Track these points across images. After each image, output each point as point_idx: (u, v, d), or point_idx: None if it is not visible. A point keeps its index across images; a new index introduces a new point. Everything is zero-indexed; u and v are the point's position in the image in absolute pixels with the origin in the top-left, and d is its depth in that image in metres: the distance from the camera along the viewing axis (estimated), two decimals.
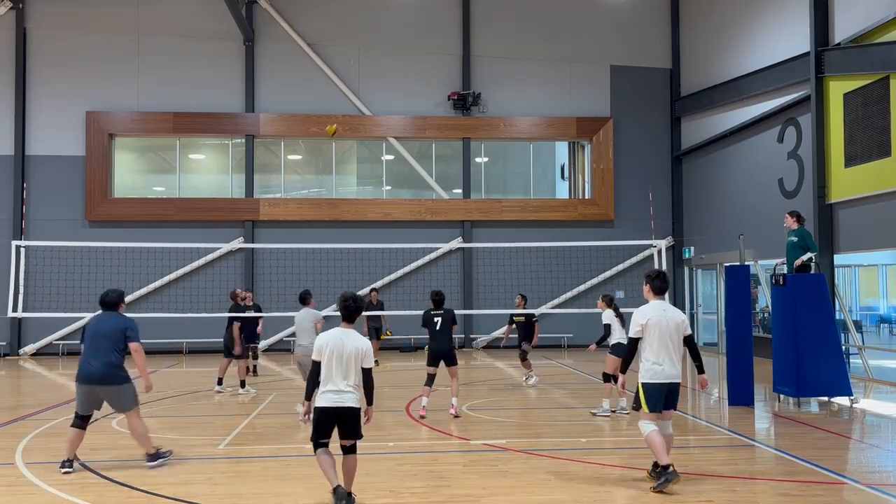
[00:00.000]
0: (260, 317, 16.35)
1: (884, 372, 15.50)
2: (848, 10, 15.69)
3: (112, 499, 6.75)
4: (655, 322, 6.89)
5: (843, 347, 13.70)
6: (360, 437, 6.29)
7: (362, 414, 6.31)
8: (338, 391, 6.09)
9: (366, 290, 20.15)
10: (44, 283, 18.81)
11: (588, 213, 23.22)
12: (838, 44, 15.85)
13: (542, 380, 15.77)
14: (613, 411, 10.72)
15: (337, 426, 6.21)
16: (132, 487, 7.01)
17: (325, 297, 17.77)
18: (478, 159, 23.76)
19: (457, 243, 22.07)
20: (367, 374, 6.21)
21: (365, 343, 6.24)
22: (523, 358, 14.60)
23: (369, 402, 6.39)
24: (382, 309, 18.59)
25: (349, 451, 6.29)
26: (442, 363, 10.85)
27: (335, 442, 6.29)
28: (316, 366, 6.16)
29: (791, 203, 16.91)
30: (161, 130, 22.47)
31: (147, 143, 23.39)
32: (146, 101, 22.37)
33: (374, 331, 18.44)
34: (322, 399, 6.14)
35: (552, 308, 22.15)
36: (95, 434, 9.70)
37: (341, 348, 6.12)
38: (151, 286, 21.60)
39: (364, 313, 17.59)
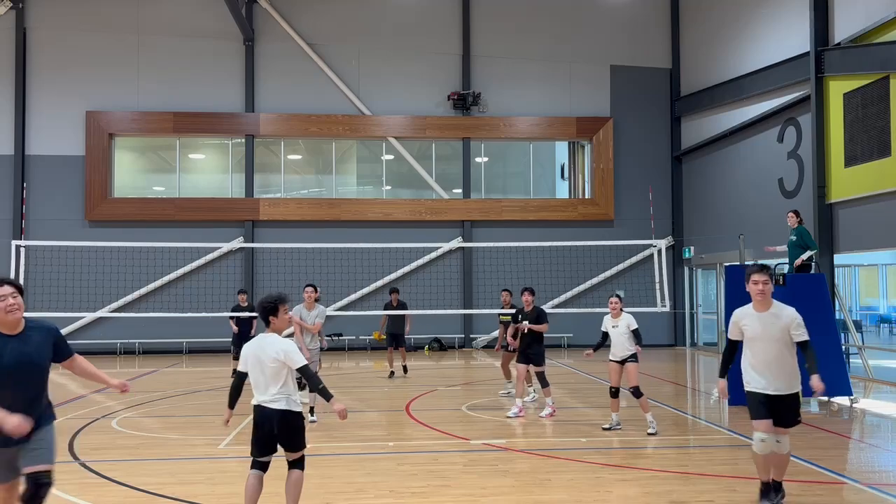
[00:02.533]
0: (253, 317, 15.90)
1: (884, 372, 15.51)
2: (848, 10, 15.69)
3: (112, 499, 6.75)
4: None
5: (843, 347, 13.70)
6: (301, 447, 5.71)
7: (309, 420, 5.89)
8: (266, 400, 5.62)
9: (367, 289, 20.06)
10: (44, 283, 18.78)
11: (588, 213, 23.22)
12: (838, 44, 15.85)
13: None
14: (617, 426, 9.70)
15: (279, 438, 5.66)
16: (132, 487, 7.01)
17: (325, 297, 17.74)
18: (478, 159, 23.76)
19: (457, 243, 22.07)
20: (302, 372, 5.63)
21: (283, 345, 5.65)
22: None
23: (326, 397, 5.71)
24: (405, 310, 16.04)
25: (292, 465, 5.72)
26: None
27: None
28: (241, 376, 5.75)
29: (791, 203, 16.92)
30: (161, 130, 22.47)
31: (147, 143, 23.38)
32: (146, 101, 22.37)
33: (393, 338, 15.72)
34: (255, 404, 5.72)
35: (552, 308, 22.11)
36: (95, 434, 9.71)
37: (261, 356, 5.65)
38: (151, 286, 21.60)
39: (385, 312, 15.80)
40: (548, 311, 21.99)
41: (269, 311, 5.80)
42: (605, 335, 9.89)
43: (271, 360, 5.62)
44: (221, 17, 21.80)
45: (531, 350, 10.87)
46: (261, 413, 5.64)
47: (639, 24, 23.75)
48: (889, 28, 14.50)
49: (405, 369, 15.97)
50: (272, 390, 5.61)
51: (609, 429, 9.70)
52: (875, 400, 12.71)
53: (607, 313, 9.97)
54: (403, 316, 15.82)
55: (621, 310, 9.81)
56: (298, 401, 5.73)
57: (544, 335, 11.13)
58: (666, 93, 23.78)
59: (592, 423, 10.68)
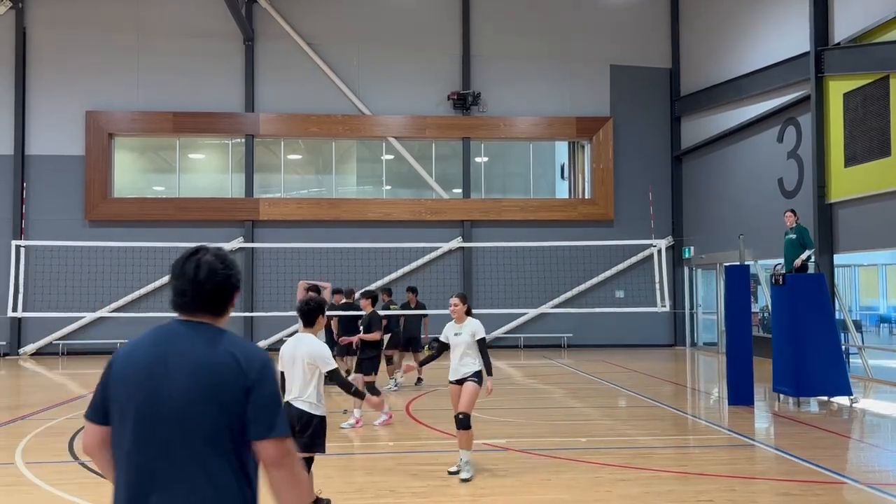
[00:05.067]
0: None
1: (883, 372, 15.51)
2: (848, 9, 15.69)
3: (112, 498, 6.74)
4: None
5: (843, 347, 13.71)
6: (311, 448, 5.78)
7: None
8: (294, 398, 5.78)
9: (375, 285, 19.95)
10: (44, 283, 18.78)
11: (588, 212, 23.21)
12: (838, 43, 15.85)
13: (543, 380, 15.77)
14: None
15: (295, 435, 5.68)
16: None
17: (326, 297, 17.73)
18: (478, 159, 23.75)
19: (457, 243, 22.06)
20: (333, 376, 5.82)
21: (318, 348, 5.85)
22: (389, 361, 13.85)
23: (360, 397, 6.44)
24: (425, 310, 14.98)
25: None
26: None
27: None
28: (280, 375, 5.78)
29: (791, 203, 16.91)
30: (161, 130, 22.46)
31: (147, 143, 23.37)
32: (146, 100, 22.36)
33: (408, 342, 14.44)
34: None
35: (552, 308, 22.13)
36: None
37: (297, 354, 5.82)
38: (151, 286, 21.56)
39: (403, 312, 14.67)
40: (548, 311, 22.11)
41: (320, 310, 6.01)
42: (443, 346, 7.64)
43: (306, 361, 5.77)
44: (221, 17, 21.79)
45: (363, 357, 10.62)
46: (287, 408, 5.76)
47: (639, 24, 23.74)
48: (889, 28, 14.50)
49: (419, 380, 14.28)
50: (296, 392, 5.78)
51: (456, 472, 7.30)
52: (875, 400, 12.71)
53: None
54: (421, 317, 14.62)
55: (467, 312, 7.59)
56: (322, 408, 5.87)
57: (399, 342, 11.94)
58: (666, 93, 23.77)
59: (592, 422, 10.69)
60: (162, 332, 2.50)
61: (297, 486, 2.41)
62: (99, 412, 2.50)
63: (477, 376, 7.36)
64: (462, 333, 7.42)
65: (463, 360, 7.40)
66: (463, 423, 7.24)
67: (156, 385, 2.38)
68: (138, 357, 2.46)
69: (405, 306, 14.86)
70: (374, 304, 10.89)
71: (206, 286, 2.49)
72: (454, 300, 7.56)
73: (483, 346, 7.43)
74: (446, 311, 7.68)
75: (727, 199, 20.67)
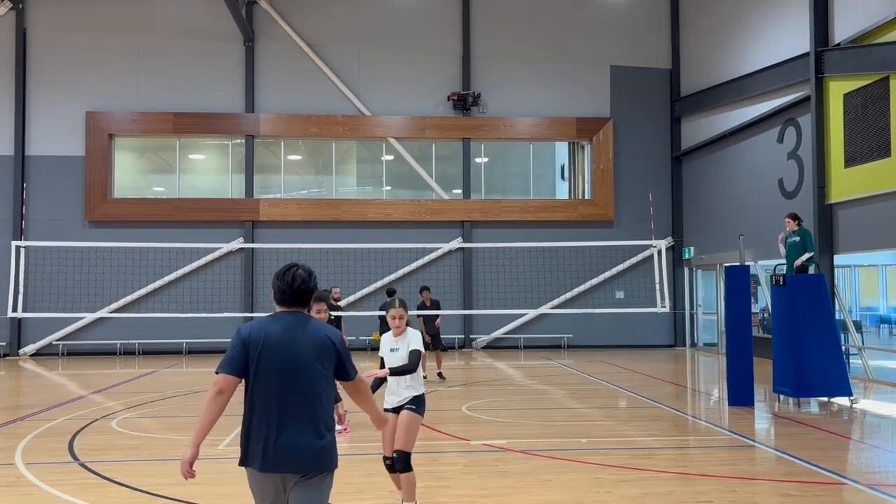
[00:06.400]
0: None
1: (884, 372, 15.51)
2: (848, 10, 15.69)
3: (112, 499, 6.75)
4: None
5: (843, 348, 13.71)
6: None
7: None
8: None
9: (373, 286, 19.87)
10: (44, 283, 18.79)
11: (588, 213, 23.21)
12: (838, 44, 15.85)
13: (543, 380, 15.76)
14: None
15: None
16: (132, 488, 7.01)
17: None
18: (478, 159, 23.75)
19: (457, 243, 22.05)
20: None
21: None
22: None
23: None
24: (439, 309, 15.50)
25: None
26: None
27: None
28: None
29: (791, 203, 16.92)
30: (161, 130, 22.46)
31: (147, 144, 23.37)
32: (146, 101, 22.36)
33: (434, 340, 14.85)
34: None
35: (552, 308, 22.14)
36: (95, 434, 9.71)
37: None
38: (151, 286, 21.59)
39: (420, 312, 14.91)
40: (548, 311, 22.07)
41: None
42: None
43: None
44: (221, 18, 21.79)
45: None
46: None
47: (639, 25, 23.74)
48: (889, 28, 14.50)
49: (441, 375, 14.96)
50: None
51: None
52: (875, 400, 12.71)
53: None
54: (436, 315, 15.06)
55: (408, 324, 6.26)
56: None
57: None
58: (666, 93, 23.77)
59: (592, 423, 10.69)
60: (279, 317, 3.92)
61: (369, 393, 4.25)
62: (236, 368, 3.83)
63: (416, 402, 6.10)
64: (400, 349, 6.08)
65: (402, 382, 6.13)
66: (401, 463, 5.93)
67: (288, 349, 3.83)
68: (271, 331, 3.85)
69: (421, 306, 15.33)
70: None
71: (298, 291, 3.95)
72: (396, 311, 6.13)
73: (414, 358, 6.00)
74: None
75: (727, 200, 20.67)
